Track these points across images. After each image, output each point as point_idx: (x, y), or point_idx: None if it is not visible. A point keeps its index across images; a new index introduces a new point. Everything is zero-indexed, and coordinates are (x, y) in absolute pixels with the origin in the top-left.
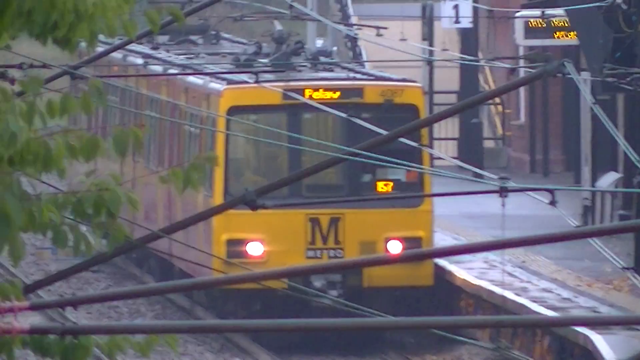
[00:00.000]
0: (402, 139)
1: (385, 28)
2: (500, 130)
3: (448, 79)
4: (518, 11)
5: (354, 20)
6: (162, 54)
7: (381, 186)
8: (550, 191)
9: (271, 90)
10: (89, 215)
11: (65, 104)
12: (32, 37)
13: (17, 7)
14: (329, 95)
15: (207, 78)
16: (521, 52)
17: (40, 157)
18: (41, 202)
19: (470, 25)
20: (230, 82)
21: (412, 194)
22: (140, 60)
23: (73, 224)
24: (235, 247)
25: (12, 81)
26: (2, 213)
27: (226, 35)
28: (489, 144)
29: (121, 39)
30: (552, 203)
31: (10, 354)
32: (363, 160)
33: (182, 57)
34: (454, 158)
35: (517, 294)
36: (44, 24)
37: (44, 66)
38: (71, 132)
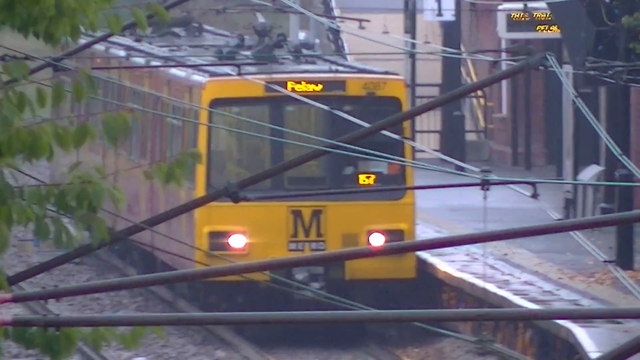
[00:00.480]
0: (384, 132)
1: (367, 21)
2: (482, 123)
3: (430, 72)
4: (501, 4)
5: (336, 13)
6: (144, 46)
7: (363, 179)
8: (532, 184)
9: (254, 83)
10: (71, 208)
11: (57, 92)
12: (13, 29)
13: None
14: (311, 87)
15: (190, 70)
16: (504, 45)
17: (28, 144)
18: (24, 194)
19: (452, 18)
20: (212, 74)
21: (394, 186)
22: (122, 53)
23: (55, 217)
24: (217, 239)
25: None
26: None
27: (209, 28)
28: (471, 136)
29: (104, 32)
30: (534, 196)
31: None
32: (345, 152)
33: (164, 49)
34: (436, 151)
35: (499, 287)
36: (26, 17)
37: (27, 58)
38: (58, 120)
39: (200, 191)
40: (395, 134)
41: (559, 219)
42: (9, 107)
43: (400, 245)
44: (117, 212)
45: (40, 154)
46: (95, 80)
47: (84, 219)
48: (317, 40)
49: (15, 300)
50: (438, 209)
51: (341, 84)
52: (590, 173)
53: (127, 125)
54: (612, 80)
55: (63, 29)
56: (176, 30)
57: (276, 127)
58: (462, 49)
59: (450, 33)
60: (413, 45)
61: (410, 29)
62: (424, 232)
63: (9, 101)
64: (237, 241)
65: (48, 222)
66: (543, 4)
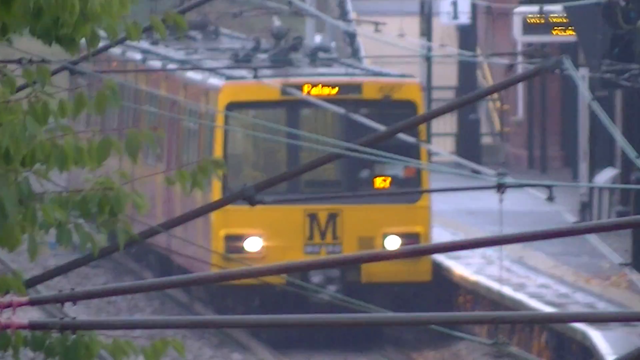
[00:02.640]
0: (400, 135)
1: (383, 24)
2: (498, 127)
3: (446, 75)
4: (516, 7)
5: (352, 16)
6: (161, 49)
7: (379, 182)
8: (548, 187)
9: (270, 86)
10: (93, 214)
11: (79, 102)
12: (34, 35)
13: (24, 4)
14: (327, 91)
15: (206, 73)
16: (519, 48)
17: (52, 158)
18: (44, 200)
19: (468, 22)
20: (229, 77)
21: (410, 189)
22: (139, 56)
23: (77, 223)
24: (233, 242)
25: None
26: None
27: (225, 31)
28: (486, 140)
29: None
30: (550, 199)
31: (16, 354)
32: (361, 155)
33: (181, 52)
34: (452, 154)
35: (514, 290)
36: (51, 23)
37: (43, 61)
38: (81, 133)
39: (216, 194)
40: (412, 137)
41: (574, 222)
42: (32, 122)
43: (416, 248)
44: (134, 215)
45: (62, 166)
46: (118, 89)
47: (106, 225)
48: (333, 44)
49: (31, 303)
50: (454, 212)
51: (357, 87)
52: (606, 176)
53: (152, 142)
54: (628, 84)
55: (84, 34)
56: (193, 33)
57: (292, 130)
58: (478, 52)
59: (466, 36)
60: (429, 49)
61: (426, 32)
62: (439, 235)
63: (32, 114)
64: (253, 244)
65: (70, 228)
66: (559, 7)
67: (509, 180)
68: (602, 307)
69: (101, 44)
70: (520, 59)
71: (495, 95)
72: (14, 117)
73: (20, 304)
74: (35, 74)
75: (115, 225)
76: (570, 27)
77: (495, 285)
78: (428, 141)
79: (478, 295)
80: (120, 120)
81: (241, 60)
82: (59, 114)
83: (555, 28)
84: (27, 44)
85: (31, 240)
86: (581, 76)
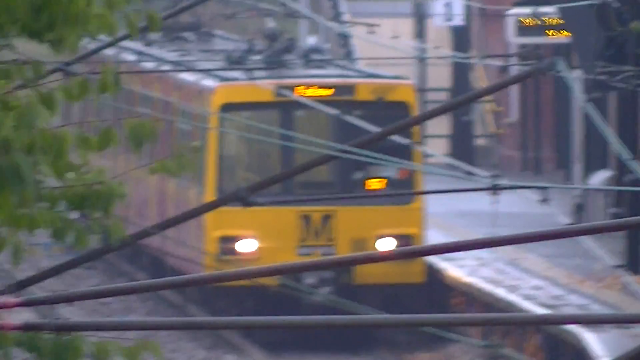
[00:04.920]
0: (393, 136)
1: (377, 25)
2: (492, 128)
3: (440, 77)
4: (510, 9)
5: (346, 17)
6: (154, 50)
7: (373, 183)
8: (542, 189)
9: (263, 88)
10: (86, 209)
11: (83, 87)
12: (30, 37)
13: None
14: (321, 92)
15: (200, 75)
16: (513, 50)
17: (53, 148)
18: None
19: (462, 23)
20: (222, 79)
21: (403, 191)
22: (133, 57)
23: (69, 219)
24: (227, 244)
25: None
26: (12, 166)
27: (218, 33)
28: (480, 141)
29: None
30: (544, 201)
31: (8, 354)
32: (355, 157)
33: (174, 54)
34: (446, 155)
35: (508, 292)
36: (48, 22)
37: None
38: (80, 125)
39: (210, 196)
40: (405, 138)
41: (568, 224)
42: (42, 109)
43: (410, 250)
44: (127, 216)
45: (63, 158)
46: (90, 84)
47: (100, 222)
48: (327, 45)
49: (24, 304)
50: (447, 213)
51: (351, 88)
52: (599, 178)
53: (152, 132)
54: (622, 85)
55: (77, 33)
56: (186, 34)
57: (286, 131)
58: (472, 53)
59: (460, 38)
60: (422, 50)
61: (420, 33)
62: (433, 237)
63: (38, 101)
64: (246, 246)
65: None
66: (552, 9)
67: (503, 182)
68: (596, 309)
69: (95, 45)
70: (514, 60)
71: (489, 97)
72: (18, 106)
73: (14, 305)
74: (30, 72)
75: (107, 222)
76: (563, 29)
77: (488, 287)
78: (422, 143)
79: (471, 297)
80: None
81: (235, 61)
82: (65, 97)
83: (548, 30)
84: (23, 46)
85: (16, 244)
86: (575, 78)
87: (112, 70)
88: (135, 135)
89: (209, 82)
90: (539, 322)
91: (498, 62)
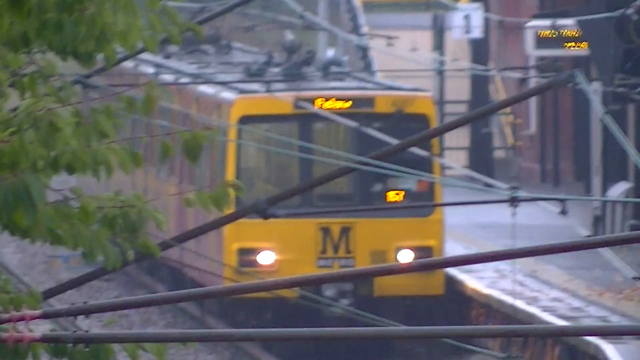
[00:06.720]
0: (413, 149)
1: (396, 38)
2: (510, 140)
3: (458, 89)
4: (529, 21)
5: (365, 30)
6: (173, 63)
7: (392, 196)
8: (561, 201)
9: (282, 100)
10: (116, 230)
11: (130, 106)
12: (52, 50)
13: (40, 16)
14: (340, 104)
15: (219, 87)
16: (532, 62)
17: (89, 164)
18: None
19: (481, 35)
20: (241, 91)
21: (423, 203)
22: (151, 70)
23: (101, 240)
24: (246, 256)
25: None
26: (23, 187)
27: (237, 45)
28: (499, 153)
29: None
30: (563, 213)
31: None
32: (374, 169)
33: (193, 66)
34: (465, 168)
35: (527, 304)
36: (72, 38)
37: (53, 76)
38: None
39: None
40: (424, 150)
41: (587, 236)
42: (107, 122)
43: (429, 262)
44: (148, 229)
45: (99, 173)
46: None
47: (128, 241)
48: (346, 57)
49: (44, 316)
50: (466, 225)
51: (370, 101)
52: (618, 190)
53: (203, 142)
54: None
55: (104, 51)
56: (205, 47)
57: (305, 144)
58: (491, 66)
59: (479, 50)
60: (441, 63)
61: (439, 46)
62: (452, 249)
63: (103, 117)
64: (265, 258)
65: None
66: (571, 21)
67: (522, 194)
68: (615, 320)
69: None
70: (532, 72)
71: (508, 109)
72: (77, 121)
73: (34, 317)
74: (56, 88)
75: (137, 242)
76: (582, 41)
77: (508, 299)
78: (441, 155)
79: (491, 309)
80: (133, 134)
81: (254, 74)
82: (128, 110)
83: (567, 42)
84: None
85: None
86: (594, 90)
87: (155, 88)
88: (190, 149)
89: (227, 95)
90: (558, 334)
91: (517, 75)
